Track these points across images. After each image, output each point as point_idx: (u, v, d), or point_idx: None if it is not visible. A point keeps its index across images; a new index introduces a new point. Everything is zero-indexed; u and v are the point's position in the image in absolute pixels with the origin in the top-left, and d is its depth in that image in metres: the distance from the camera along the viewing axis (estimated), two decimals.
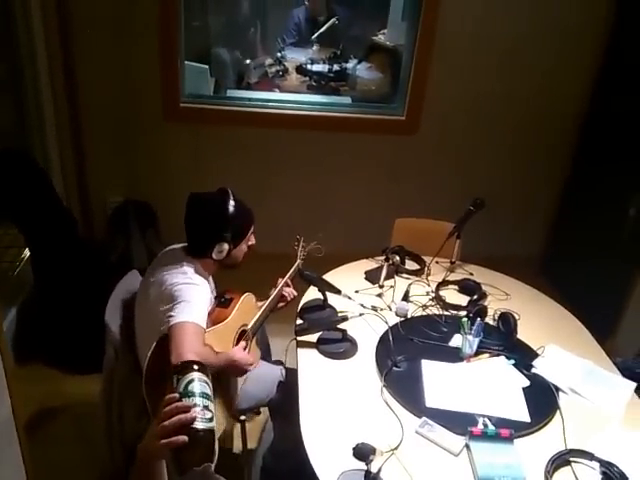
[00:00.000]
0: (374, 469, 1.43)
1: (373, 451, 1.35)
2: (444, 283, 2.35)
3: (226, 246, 1.87)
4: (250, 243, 1.99)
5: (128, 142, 3.44)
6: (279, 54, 4.32)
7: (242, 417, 2.03)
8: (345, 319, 1.94)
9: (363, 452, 1.34)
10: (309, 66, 4.32)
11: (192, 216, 1.90)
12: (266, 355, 2.37)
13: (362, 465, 1.39)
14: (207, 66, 3.69)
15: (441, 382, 1.81)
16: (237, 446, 2.34)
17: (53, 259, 2.74)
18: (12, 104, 3.18)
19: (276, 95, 3.82)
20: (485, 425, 1.63)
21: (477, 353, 1.93)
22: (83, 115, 3.34)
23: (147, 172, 3.51)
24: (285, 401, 1.98)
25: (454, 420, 1.65)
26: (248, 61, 4.21)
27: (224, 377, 1.85)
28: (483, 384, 1.81)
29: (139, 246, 3.40)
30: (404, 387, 1.78)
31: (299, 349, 1.94)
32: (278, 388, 2.03)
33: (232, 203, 1.86)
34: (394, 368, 1.85)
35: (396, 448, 1.55)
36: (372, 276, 2.36)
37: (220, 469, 2.30)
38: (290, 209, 3.68)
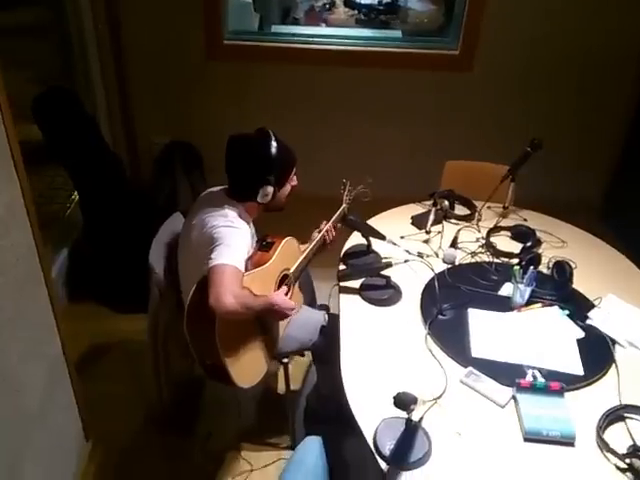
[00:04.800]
0: (416, 418, 1.40)
1: (414, 400, 1.30)
2: (496, 229, 2.24)
3: (270, 189, 1.81)
4: (293, 184, 1.93)
5: (172, 82, 3.39)
6: None
7: (284, 360, 2.04)
8: (389, 265, 1.88)
9: (404, 401, 1.30)
10: None
11: (234, 160, 1.84)
12: (311, 300, 2.36)
13: (403, 414, 1.36)
14: (250, 0, 3.55)
15: (489, 331, 1.74)
16: (281, 388, 2.38)
17: (100, 201, 2.77)
18: (58, 49, 3.15)
19: (322, 30, 3.66)
20: (534, 377, 1.56)
21: (529, 303, 1.85)
22: (127, 56, 3.29)
23: (191, 112, 3.45)
24: (328, 346, 1.96)
25: (501, 371, 1.59)
26: None
27: (266, 320, 1.83)
28: (534, 335, 1.73)
29: (184, 187, 3.40)
30: (449, 336, 1.72)
31: (341, 295, 1.91)
32: (321, 333, 2.01)
33: (274, 144, 1.79)
34: (439, 316, 1.79)
35: (439, 397, 1.51)
36: (419, 221, 2.27)
37: (265, 409, 2.37)
38: (337, 150, 3.58)
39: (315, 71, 3.37)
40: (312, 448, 1.50)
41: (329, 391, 2.17)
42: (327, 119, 3.53)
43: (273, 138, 1.81)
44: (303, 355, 2.43)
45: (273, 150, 1.79)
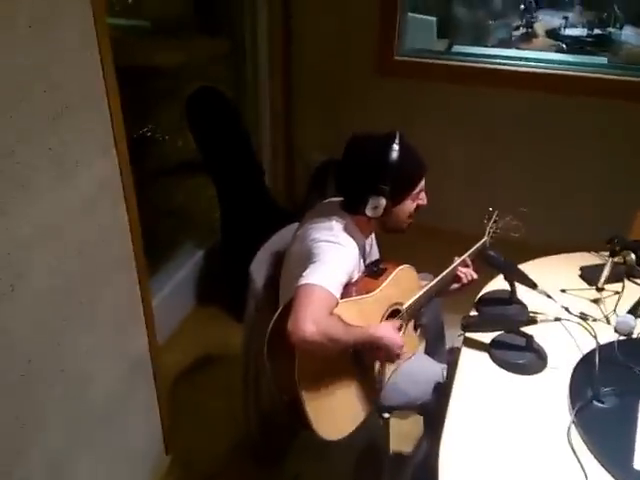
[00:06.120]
0: None
1: None
2: None
3: (383, 201, 1.49)
4: (420, 202, 1.58)
5: (336, 98, 3.26)
6: (529, 15, 3.73)
7: (386, 415, 1.68)
8: (533, 321, 1.43)
9: None
10: (563, 30, 3.66)
11: (347, 161, 1.58)
12: (436, 348, 1.97)
13: None
14: (434, 18, 3.30)
15: None
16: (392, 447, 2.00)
17: (238, 211, 2.69)
18: (230, 53, 3.21)
19: (509, 52, 3.26)
20: None
21: None
22: (294, 67, 3.24)
23: (351, 130, 3.28)
24: (442, 408, 1.57)
25: None
26: (490, 22, 3.72)
27: (367, 358, 1.51)
28: None
29: None
30: (605, 432, 1.23)
31: (464, 348, 1.50)
32: (435, 391, 1.62)
33: (396, 147, 1.48)
34: (594, 402, 1.30)
35: None
36: (590, 274, 1.76)
37: (365, 467, 2.02)
38: (498, 184, 3.13)
39: (492, 94, 2.99)
40: None
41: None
42: (495, 149, 3.13)
43: (397, 141, 1.49)
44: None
45: (393, 155, 1.47)
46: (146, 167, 2.94)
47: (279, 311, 1.43)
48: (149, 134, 3.14)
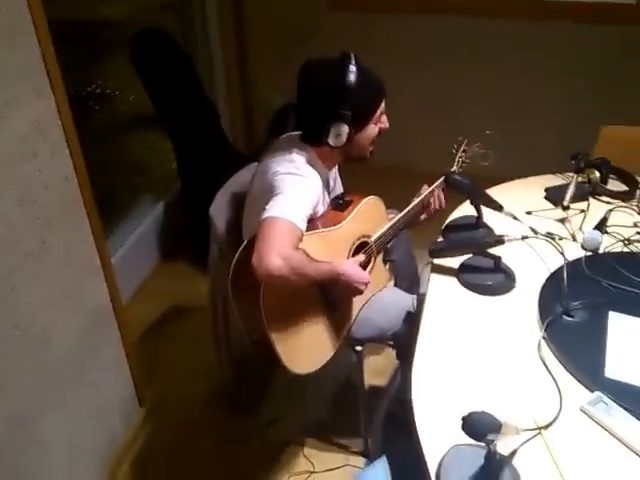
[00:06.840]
0: (505, 450, 0.97)
1: (496, 428, 0.87)
2: None
3: (345, 128, 1.42)
4: (382, 126, 1.52)
5: (290, 36, 3.13)
6: None
7: (358, 347, 1.66)
8: (500, 242, 1.41)
9: (476, 426, 0.87)
10: None
11: (303, 89, 1.50)
12: (410, 283, 1.95)
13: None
14: None
15: (634, 346, 1.22)
16: (366, 381, 2.01)
17: (195, 155, 2.59)
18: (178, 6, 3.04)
19: None
20: None
21: None
22: (246, 10, 3.09)
23: None
24: (412, 337, 1.56)
25: None
26: None
27: (334, 292, 1.47)
28: None
29: None
30: (575, 344, 1.23)
31: (433, 274, 1.48)
32: (406, 321, 1.61)
33: (353, 69, 1.41)
34: (564, 317, 1.30)
35: (545, 427, 1.05)
36: (555, 195, 1.75)
37: (341, 403, 2.03)
38: (459, 116, 3.08)
39: (448, 23, 2.94)
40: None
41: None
42: (460, 82, 3.07)
43: (353, 62, 1.42)
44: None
45: (351, 77, 1.40)
46: (99, 124, 2.81)
47: (242, 246, 1.38)
48: (98, 90, 2.99)
